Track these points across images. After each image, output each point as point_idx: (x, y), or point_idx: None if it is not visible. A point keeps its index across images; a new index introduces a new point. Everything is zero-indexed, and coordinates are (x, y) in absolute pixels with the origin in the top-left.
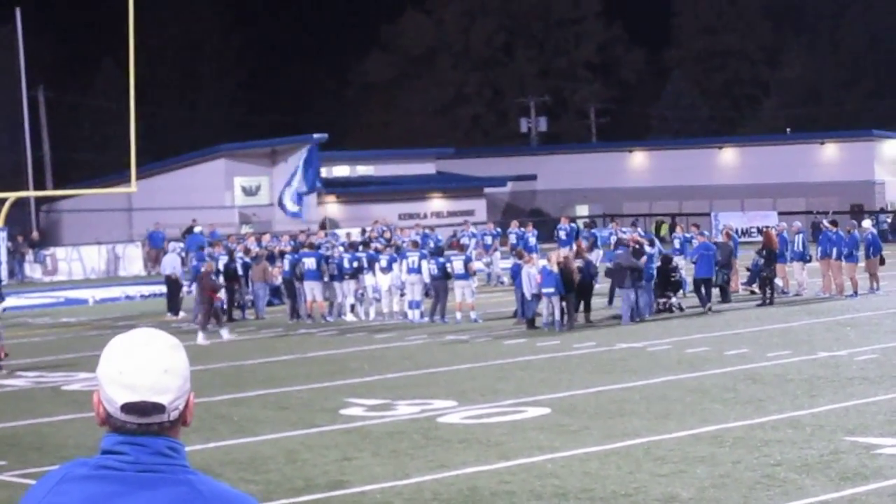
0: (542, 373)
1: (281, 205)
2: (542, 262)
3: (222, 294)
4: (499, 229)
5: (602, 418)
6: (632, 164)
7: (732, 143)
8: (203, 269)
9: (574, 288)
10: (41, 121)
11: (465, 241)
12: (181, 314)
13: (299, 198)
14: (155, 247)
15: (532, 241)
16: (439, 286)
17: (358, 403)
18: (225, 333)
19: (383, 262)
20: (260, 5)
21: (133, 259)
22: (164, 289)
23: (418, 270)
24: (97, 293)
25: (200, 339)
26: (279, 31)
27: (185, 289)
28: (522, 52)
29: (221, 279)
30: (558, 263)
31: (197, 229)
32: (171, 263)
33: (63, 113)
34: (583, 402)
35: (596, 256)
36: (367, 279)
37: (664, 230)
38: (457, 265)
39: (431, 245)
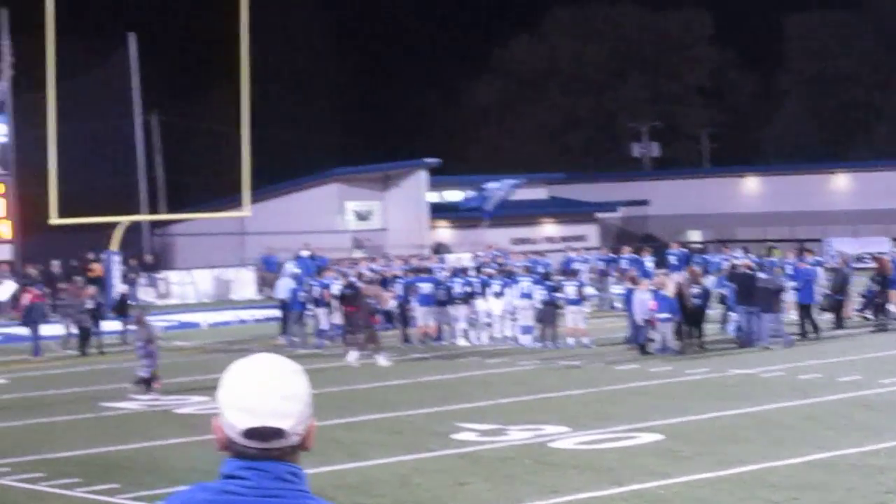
0: (655, 398)
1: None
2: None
3: (378, 318)
4: (612, 254)
5: (714, 444)
6: (744, 189)
7: (845, 168)
8: (363, 291)
9: (688, 314)
10: (154, 144)
11: (577, 266)
12: (295, 339)
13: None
14: (269, 271)
15: (649, 265)
16: (550, 311)
17: (470, 428)
18: (381, 360)
19: (496, 288)
20: (372, 29)
21: (245, 283)
22: (277, 312)
23: (530, 296)
24: (210, 317)
25: (352, 358)
26: (391, 54)
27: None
28: (634, 76)
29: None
30: (677, 289)
31: (304, 253)
32: (286, 287)
33: (176, 136)
34: (695, 428)
35: (709, 282)
36: (479, 304)
37: (777, 254)
38: (569, 290)
39: (541, 270)
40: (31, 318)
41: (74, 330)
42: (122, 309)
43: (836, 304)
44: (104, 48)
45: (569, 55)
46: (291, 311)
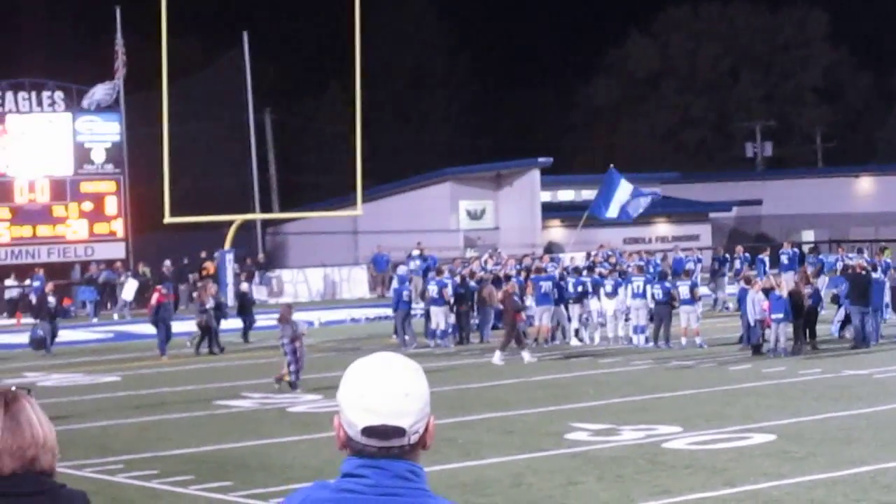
0: (768, 399)
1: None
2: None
3: (524, 315)
4: (725, 254)
5: (828, 445)
6: (858, 189)
7: None
8: (505, 289)
9: (803, 314)
10: (267, 143)
11: (689, 266)
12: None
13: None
14: (379, 270)
15: (785, 260)
16: (663, 311)
17: (583, 428)
18: (526, 356)
19: (608, 287)
20: (486, 28)
21: (358, 282)
22: (389, 312)
23: (643, 295)
24: (322, 315)
25: (497, 358)
26: (505, 53)
27: (415, 311)
28: (748, 75)
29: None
30: (792, 289)
31: (415, 253)
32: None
33: (289, 136)
34: (809, 428)
35: (822, 283)
36: (592, 304)
37: (888, 255)
38: (682, 290)
39: (652, 270)
40: (160, 316)
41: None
42: (244, 307)
43: None
44: (217, 47)
45: (682, 54)
46: (397, 310)
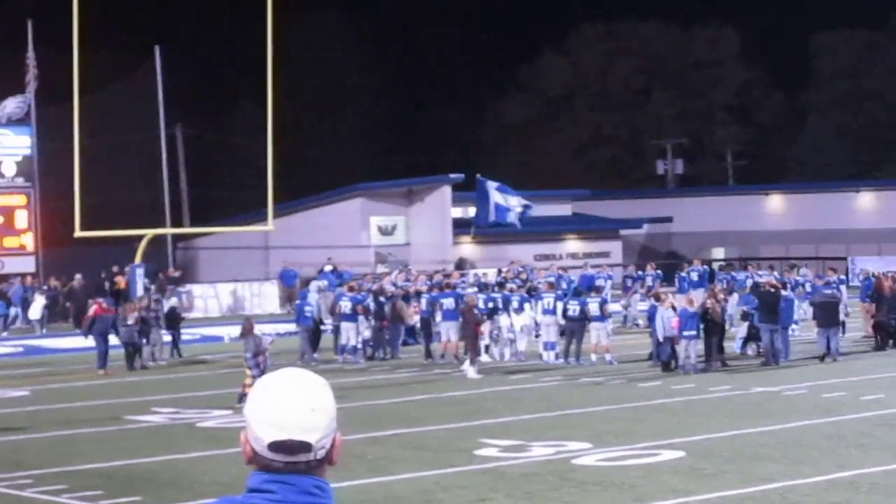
0: (678, 416)
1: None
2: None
3: (485, 328)
4: (639, 272)
5: (738, 462)
6: (768, 207)
7: (870, 186)
8: (467, 303)
9: (716, 331)
10: (179, 158)
11: (600, 282)
12: (317, 354)
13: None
14: (287, 285)
15: (695, 277)
16: (575, 328)
17: (493, 444)
18: (471, 371)
19: (515, 304)
20: (399, 44)
21: (269, 297)
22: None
23: (553, 311)
24: (232, 331)
25: (472, 372)
26: (418, 70)
27: (325, 327)
28: (660, 93)
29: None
30: (702, 305)
31: (328, 268)
32: (314, 302)
33: (201, 150)
34: (718, 445)
35: (733, 300)
36: (503, 320)
37: (798, 272)
38: (592, 307)
39: (565, 286)
40: (97, 329)
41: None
42: (172, 322)
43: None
44: (130, 61)
45: (595, 72)
46: (300, 325)
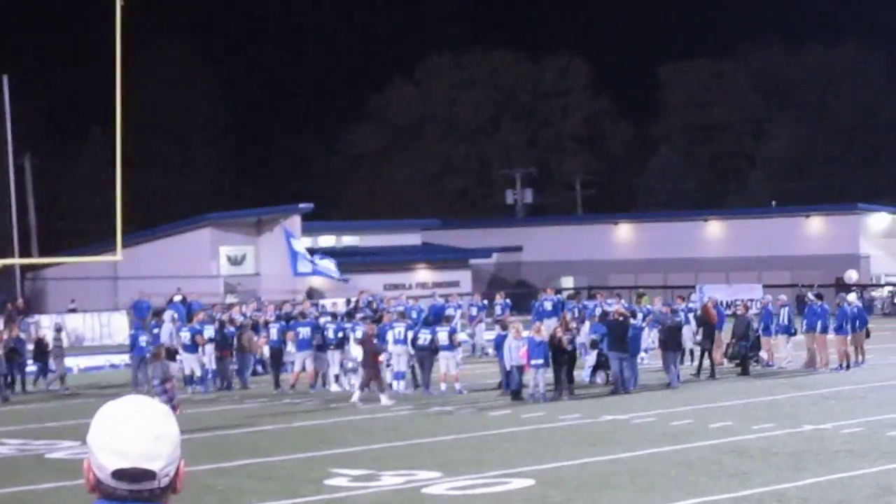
0: (527, 444)
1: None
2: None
3: (383, 357)
4: (484, 301)
5: (587, 490)
6: (617, 236)
7: (718, 215)
8: (367, 332)
9: (565, 360)
10: (27, 188)
11: (449, 312)
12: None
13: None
14: (140, 316)
15: (549, 306)
16: (424, 357)
17: (343, 474)
18: (384, 398)
19: (358, 333)
20: (248, 75)
21: (118, 328)
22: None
23: (404, 342)
24: (81, 361)
25: (357, 397)
26: (267, 100)
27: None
28: (509, 123)
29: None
30: (552, 335)
31: (177, 298)
32: (167, 332)
33: (50, 181)
34: (568, 473)
35: (584, 329)
36: (353, 350)
37: (646, 302)
38: (441, 336)
39: (415, 315)
40: None
41: None
42: (40, 353)
43: (742, 351)
44: None
45: (444, 102)
46: (133, 356)
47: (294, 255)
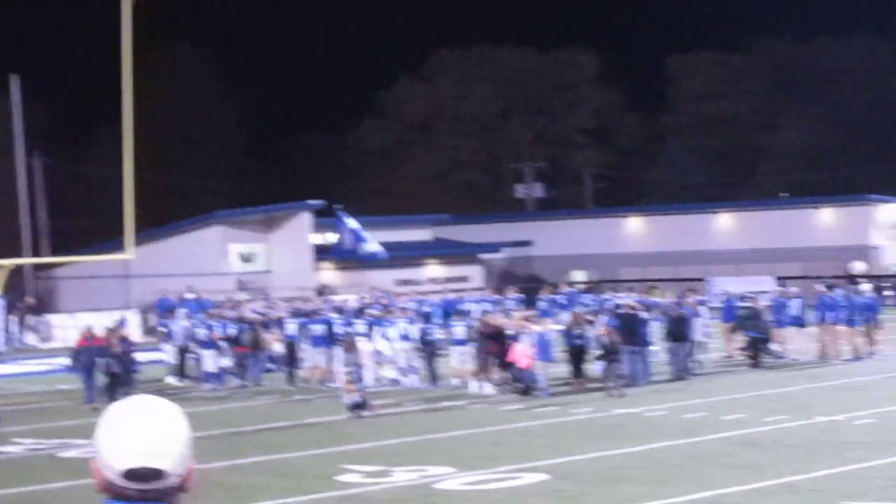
0: (540, 439)
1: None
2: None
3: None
4: (496, 295)
5: (600, 484)
6: (627, 229)
7: (728, 208)
8: (486, 322)
9: (572, 354)
10: (38, 187)
11: (468, 306)
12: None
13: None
14: (168, 308)
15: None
16: (430, 352)
17: (355, 470)
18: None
19: (360, 328)
20: (257, 72)
21: (130, 326)
22: (162, 355)
23: (408, 337)
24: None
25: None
26: (276, 97)
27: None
28: (518, 117)
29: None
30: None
31: (190, 296)
32: (182, 329)
33: (60, 180)
34: (580, 467)
35: (599, 322)
36: (364, 345)
37: (656, 294)
38: (457, 331)
39: (425, 311)
40: (81, 362)
41: None
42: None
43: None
44: None
45: (452, 97)
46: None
47: (357, 237)
